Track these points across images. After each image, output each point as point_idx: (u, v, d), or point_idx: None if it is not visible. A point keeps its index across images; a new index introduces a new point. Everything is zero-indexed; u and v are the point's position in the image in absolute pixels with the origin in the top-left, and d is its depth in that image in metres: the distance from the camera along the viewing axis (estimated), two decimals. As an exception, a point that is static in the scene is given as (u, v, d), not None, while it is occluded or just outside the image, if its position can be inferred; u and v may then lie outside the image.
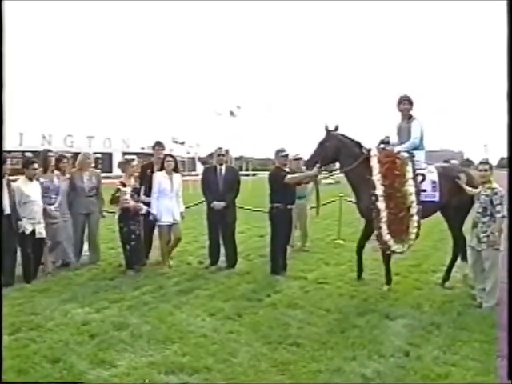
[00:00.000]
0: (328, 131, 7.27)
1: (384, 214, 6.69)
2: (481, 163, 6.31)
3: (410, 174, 6.76)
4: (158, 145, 8.64)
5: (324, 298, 6.50)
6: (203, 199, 8.45)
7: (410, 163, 6.81)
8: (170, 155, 8.51)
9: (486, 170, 6.17)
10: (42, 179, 7.61)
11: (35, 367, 4.33)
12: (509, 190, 4.80)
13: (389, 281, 7.02)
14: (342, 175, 7.65)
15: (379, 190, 6.71)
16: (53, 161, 7.92)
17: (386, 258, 6.99)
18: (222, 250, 8.29)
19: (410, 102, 7.25)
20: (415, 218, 6.71)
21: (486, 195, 6.05)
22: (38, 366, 4.35)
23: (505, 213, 5.84)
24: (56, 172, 7.96)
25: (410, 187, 6.71)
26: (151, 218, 7.97)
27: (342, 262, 8.68)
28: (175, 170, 8.16)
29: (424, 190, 6.91)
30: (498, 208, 5.91)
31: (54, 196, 7.74)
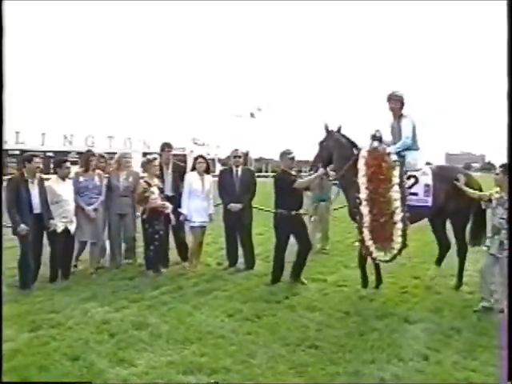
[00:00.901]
0: (328, 131, 7.15)
1: (367, 219, 6.50)
2: (499, 167, 6.05)
3: (396, 179, 6.46)
4: (168, 146, 8.61)
5: (343, 300, 6.48)
6: (220, 201, 8.45)
7: (397, 167, 6.50)
8: (202, 156, 8.49)
9: (497, 174, 5.98)
10: (82, 178, 7.62)
11: (55, 364, 4.40)
12: (509, 190, 4.74)
13: (378, 284, 7.00)
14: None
15: (363, 194, 6.51)
16: (94, 160, 7.90)
17: (376, 262, 6.89)
18: (241, 251, 8.30)
19: (399, 100, 6.93)
20: (399, 225, 6.43)
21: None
22: (58, 364, 4.41)
23: None
24: (97, 171, 7.91)
25: (395, 193, 6.42)
26: (181, 218, 7.99)
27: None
28: (207, 171, 8.19)
29: (415, 194, 6.65)
30: None
31: (94, 196, 7.69)
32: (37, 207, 6.78)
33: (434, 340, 5.08)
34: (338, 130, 7.12)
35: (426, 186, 6.69)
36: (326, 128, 7.14)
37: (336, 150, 7.01)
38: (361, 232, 6.57)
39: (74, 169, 7.84)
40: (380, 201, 6.41)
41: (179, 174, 8.36)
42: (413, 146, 6.83)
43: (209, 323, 5.52)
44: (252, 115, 44.03)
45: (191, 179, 8.01)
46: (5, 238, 8.09)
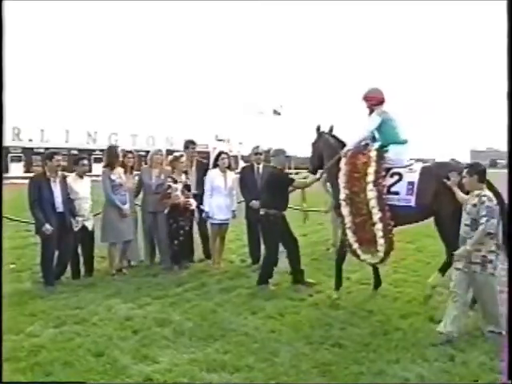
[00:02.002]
0: (318, 132, 6.94)
1: (348, 220, 6.20)
2: (465, 168, 5.30)
3: (370, 177, 6.02)
4: (191, 143, 8.60)
5: (367, 299, 6.41)
6: (242, 199, 8.42)
7: (373, 163, 6.09)
8: (225, 153, 8.46)
9: (464, 177, 5.19)
10: (113, 176, 7.53)
11: (80, 360, 4.44)
12: (509, 190, 4.62)
13: (377, 285, 6.78)
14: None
15: (342, 194, 6.21)
16: (120, 157, 7.78)
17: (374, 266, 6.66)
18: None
19: (375, 98, 6.51)
20: (378, 226, 5.95)
21: (474, 205, 5.01)
22: (82, 359, 4.45)
23: (489, 227, 4.87)
24: (121, 169, 7.81)
25: (370, 192, 5.97)
26: (203, 215, 7.99)
27: (386, 262, 8.51)
28: (229, 167, 8.16)
29: (397, 193, 6.04)
30: (482, 220, 4.87)
31: (123, 193, 7.61)
32: (59, 206, 6.81)
33: (460, 340, 4.96)
34: (330, 131, 6.89)
35: (410, 183, 5.99)
36: (318, 129, 6.96)
37: (325, 151, 6.78)
38: (345, 234, 6.29)
39: (97, 166, 7.83)
40: (356, 201, 6.09)
41: (203, 172, 8.33)
42: (391, 140, 6.32)
43: (232, 321, 5.51)
44: (275, 112, 43.91)
45: (213, 176, 7.99)
46: (31, 234, 8.25)
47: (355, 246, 6.20)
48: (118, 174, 7.61)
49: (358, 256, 6.28)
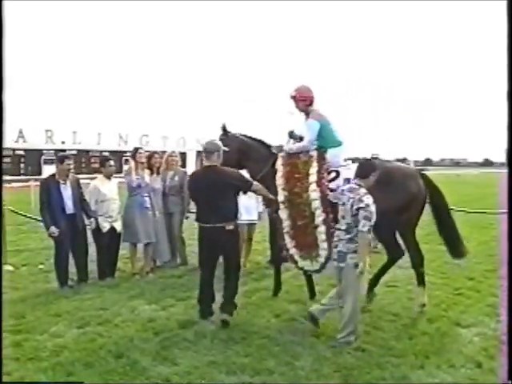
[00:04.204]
0: (226, 132, 6.43)
1: (287, 224, 5.90)
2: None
3: (313, 177, 5.79)
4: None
5: (393, 302, 6.29)
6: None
7: (315, 163, 5.87)
8: None
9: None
10: (133, 177, 7.56)
11: (100, 361, 4.45)
12: (509, 190, 4.47)
13: (312, 295, 6.37)
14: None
15: (281, 196, 5.89)
16: (142, 158, 7.77)
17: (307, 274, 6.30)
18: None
19: (302, 98, 6.21)
20: (321, 228, 5.70)
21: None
22: (102, 361, 4.46)
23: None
24: (146, 170, 7.82)
25: (313, 193, 5.72)
26: None
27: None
28: None
29: (334, 190, 5.77)
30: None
31: (146, 194, 7.62)
32: (70, 208, 6.85)
33: (488, 346, 4.82)
34: (225, 129, 6.41)
35: (346, 180, 5.79)
36: (224, 128, 6.43)
37: (249, 152, 6.37)
38: (282, 239, 5.99)
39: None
40: (297, 202, 5.76)
41: None
42: (330, 143, 6.15)
43: (254, 323, 5.47)
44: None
45: None
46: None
47: (293, 251, 5.90)
48: (141, 175, 7.62)
49: (295, 262, 6.01)
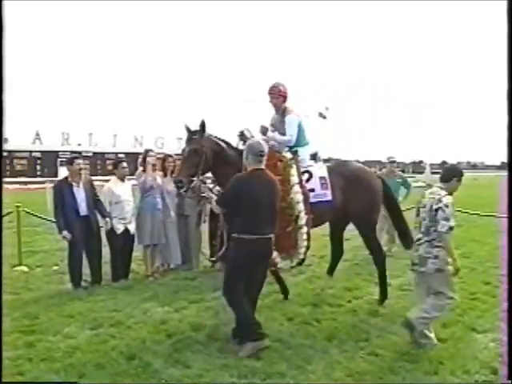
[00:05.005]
0: (192, 132, 5.62)
1: None
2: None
3: (295, 179, 5.74)
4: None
5: (407, 306, 6.17)
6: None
7: (294, 165, 5.83)
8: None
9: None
10: (148, 178, 7.56)
11: (112, 363, 4.44)
12: (509, 190, 4.40)
13: (285, 295, 6.39)
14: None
15: None
16: (153, 160, 7.76)
17: (276, 273, 6.23)
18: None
19: (281, 94, 6.20)
20: (304, 229, 5.75)
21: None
22: (114, 362, 4.45)
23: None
24: (159, 172, 7.86)
25: (297, 194, 5.70)
26: None
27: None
28: None
29: (312, 190, 5.89)
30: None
31: (157, 196, 7.64)
32: (83, 210, 6.88)
33: (504, 352, 4.73)
34: (203, 128, 5.61)
35: (322, 178, 6.02)
36: (203, 126, 5.61)
37: (220, 155, 5.72)
38: None
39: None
40: (281, 206, 5.32)
41: None
42: (301, 142, 6.22)
43: (267, 326, 5.38)
44: (320, 115, 43.54)
45: None
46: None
47: (274, 254, 5.39)
48: (153, 177, 7.63)
49: (275, 264, 5.76)
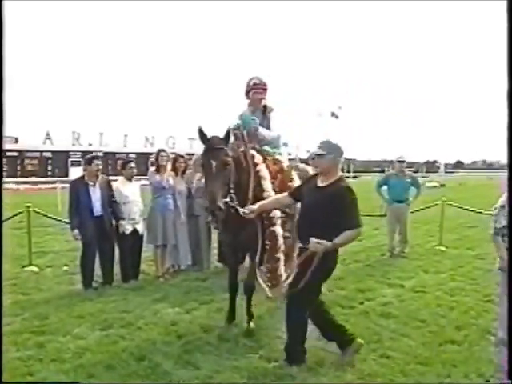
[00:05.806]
0: (228, 141, 4.92)
1: (281, 242, 5.34)
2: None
3: (297, 183, 5.63)
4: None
5: (420, 308, 6.14)
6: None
7: (290, 167, 5.89)
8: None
9: None
10: (158, 178, 7.55)
11: (121, 364, 4.42)
12: (509, 191, 4.33)
13: (249, 318, 5.43)
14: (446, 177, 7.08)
15: (276, 211, 5.25)
16: (164, 160, 7.74)
17: (249, 295, 5.45)
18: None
19: (265, 89, 6.05)
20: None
21: None
22: (124, 363, 4.43)
23: None
24: (171, 172, 7.81)
25: None
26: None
27: (443, 269, 8.21)
28: None
29: None
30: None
31: (169, 196, 7.63)
32: (98, 210, 6.86)
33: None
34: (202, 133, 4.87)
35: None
36: (206, 136, 4.85)
37: (240, 164, 5.16)
38: (275, 260, 5.40)
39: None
40: (292, 214, 5.18)
41: None
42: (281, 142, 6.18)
43: (278, 328, 5.35)
44: (333, 114, 43.28)
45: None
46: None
47: (281, 271, 5.38)
48: (164, 177, 7.60)
49: (277, 284, 5.50)
